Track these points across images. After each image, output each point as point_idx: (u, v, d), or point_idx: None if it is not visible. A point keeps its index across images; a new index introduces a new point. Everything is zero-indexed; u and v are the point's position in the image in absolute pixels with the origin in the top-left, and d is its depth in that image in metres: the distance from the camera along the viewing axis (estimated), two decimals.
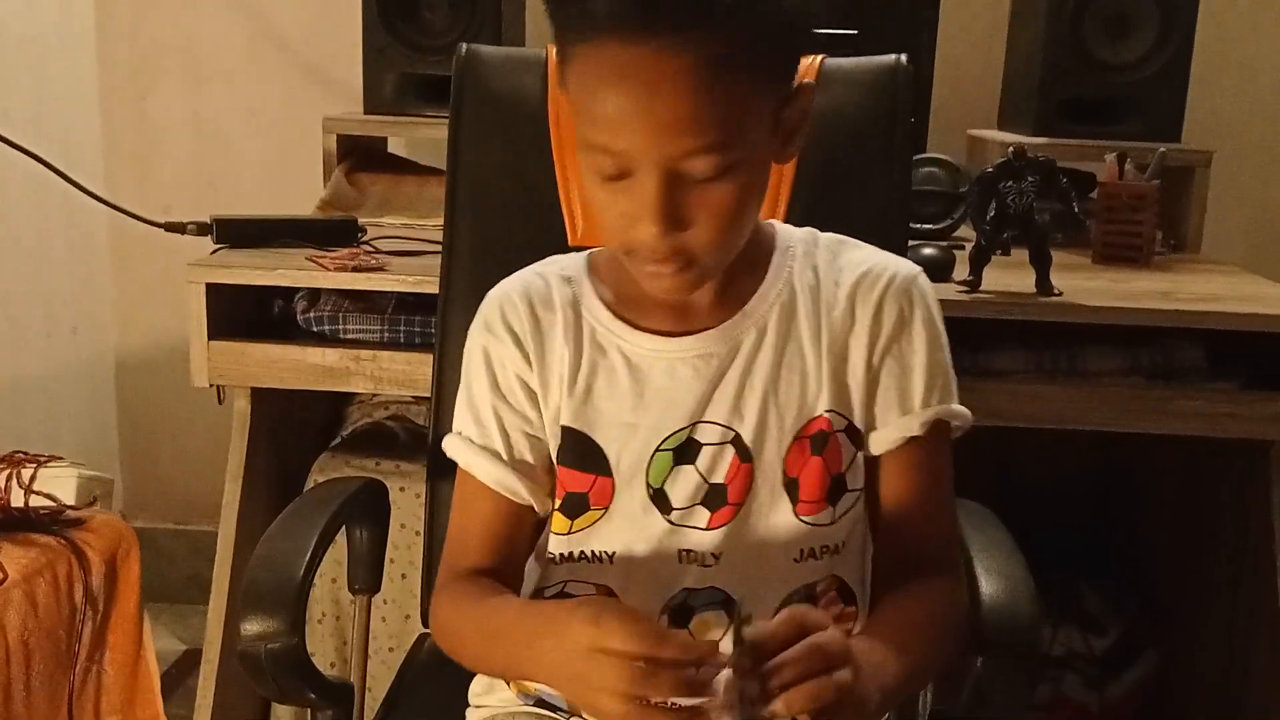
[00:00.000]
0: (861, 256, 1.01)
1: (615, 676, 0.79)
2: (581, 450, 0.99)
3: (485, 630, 0.97)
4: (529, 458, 1.01)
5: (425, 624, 1.39)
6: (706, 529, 0.98)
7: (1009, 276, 1.66)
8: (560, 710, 1.05)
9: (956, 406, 1.00)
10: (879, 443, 0.99)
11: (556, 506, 1.02)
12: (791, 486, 0.98)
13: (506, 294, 1.03)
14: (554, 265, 1.05)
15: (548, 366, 1.00)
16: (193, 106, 2.44)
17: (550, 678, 0.90)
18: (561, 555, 1.02)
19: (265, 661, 1.03)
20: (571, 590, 1.02)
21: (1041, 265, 1.62)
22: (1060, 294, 1.61)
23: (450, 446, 1.03)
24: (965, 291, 1.61)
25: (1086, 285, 1.69)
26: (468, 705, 1.12)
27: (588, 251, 1.06)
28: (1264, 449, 1.63)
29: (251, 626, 1.03)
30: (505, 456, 1.01)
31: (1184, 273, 1.86)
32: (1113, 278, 1.79)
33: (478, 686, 1.12)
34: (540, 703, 1.06)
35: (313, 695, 1.11)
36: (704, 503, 0.98)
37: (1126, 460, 2.23)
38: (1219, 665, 1.83)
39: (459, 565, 1.02)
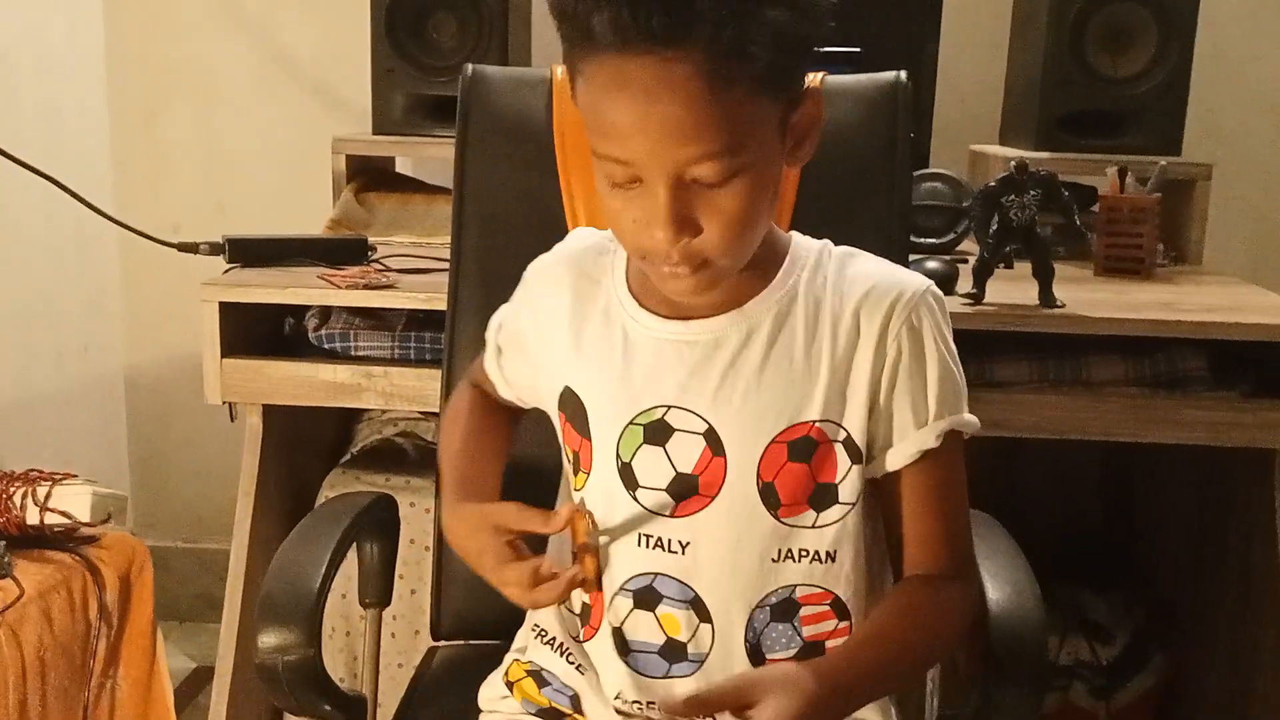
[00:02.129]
0: (869, 270, 1.02)
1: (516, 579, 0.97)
2: (576, 411, 1.04)
3: (446, 447, 1.14)
4: (511, 393, 1.14)
5: (435, 638, 1.41)
6: (671, 516, 0.99)
7: (1012, 289, 1.68)
8: (564, 716, 1.07)
9: (966, 415, 1.01)
10: (896, 458, 0.99)
11: (570, 459, 1.07)
12: (768, 492, 0.98)
13: (557, 254, 1.10)
14: (607, 237, 1.09)
15: (558, 328, 1.06)
16: (202, 128, 2.46)
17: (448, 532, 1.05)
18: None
19: (282, 674, 1.04)
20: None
21: (1044, 277, 1.64)
22: (1063, 305, 1.63)
23: (492, 321, 1.15)
24: (969, 304, 1.63)
25: (1089, 297, 1.70)
26: (480, 712, 1.13)
27: None
28: (1268, 456, 1.64)
29: (269, 639, 1.04)
30: (504, 368, 1.14)
31: (1186, 284, 1.88)
32: (1115, 289, 1.80)
33: (487, 691, 1.14)
34: (544, 711, 1.08)
35: (328, 708, 1.12)
36: (669, 489, 0.99)
37: (1131, 470, 2.24)
38: (1227, 671, 1.84)
39: (476, 379, 1.18)
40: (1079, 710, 2.02)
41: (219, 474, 2.38)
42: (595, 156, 0.91)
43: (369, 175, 2.13)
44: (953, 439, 1.00)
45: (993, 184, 1.63)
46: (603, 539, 1.02)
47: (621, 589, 1.02)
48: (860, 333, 0.99)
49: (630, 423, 1.00)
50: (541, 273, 1.10)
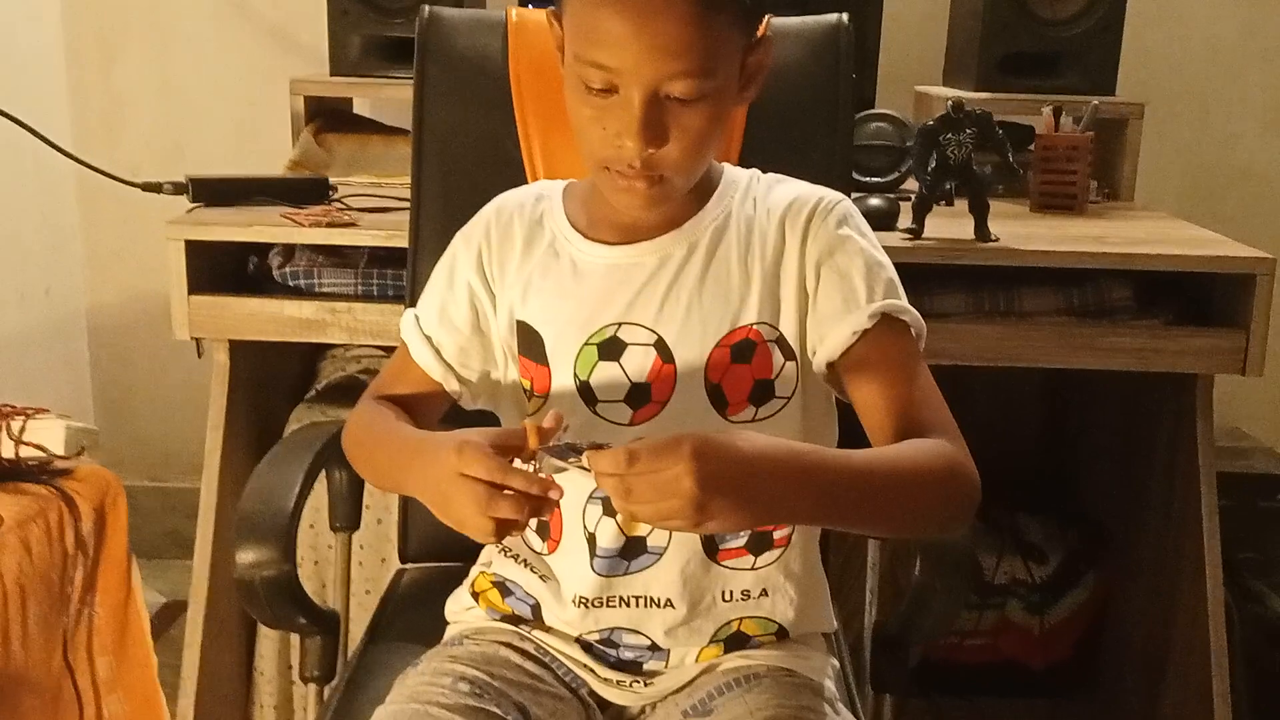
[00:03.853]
0: (792, 188, 1.13)
1: (472, 497, 0.90)
2: (530, 341, 1.12)
3: (375, 438, 1.11)
4: (455, 358, 1.15)
5: (403, 560, 1.47)
6: (629, 425, 1.07)
7: (950, 225, 1.74)
8: (525, 623, 1.15)
9: (902, 303, 1.07)
10: (833, 346, 1.05)
11: (526, 390, 1.13)
12: (716, 393, 1.07)
13: (489, 207, 1.17)
14: (537, 186, 1.20)
15: (506, 267, 1.14)
16: (160, 70, 2.47)
17: (419, 493, 0.99)
18: None
19: (260, 588, 1.10)
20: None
21: (980, 213, 1.71)
22: (997, 240, 1.70)
23: (404, 321, 1.18)
24: (908, 239, 1.70)
25: (1023, 231, 1.77)
26: (446, 624, 1.21)
27: (570, 180, 1.19)
28: (1189, 381, 1.73)
29: (246, 556, 1.10)
30: (441, 350, 1.14)
31: (1117, 219, 1.95)
32: (1049, 225, 1.87)
33: (453, 604, 1.21)
34: (507, 618, 1.15)
35: (304, 621, 1.19)
36: (626, 400, 1.08)
37: (1067, 401, 2.34)
38: (1151, 586, 1.93)
39: (379, 394, 1.18)
40: (1015, 625, 2.12)
41: (184, 413, 2.42)
42: (576, 61, 0.98)
43: (327, 116, 2.16)
44: (893, 325, 1.05)
45: (931, 123, 1.70)
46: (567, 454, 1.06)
47: (591, 498, 1.09)
48: (785, 240, 1.09)
49: (585, 343, 1.08)
50: (480, 229, 1.16)
